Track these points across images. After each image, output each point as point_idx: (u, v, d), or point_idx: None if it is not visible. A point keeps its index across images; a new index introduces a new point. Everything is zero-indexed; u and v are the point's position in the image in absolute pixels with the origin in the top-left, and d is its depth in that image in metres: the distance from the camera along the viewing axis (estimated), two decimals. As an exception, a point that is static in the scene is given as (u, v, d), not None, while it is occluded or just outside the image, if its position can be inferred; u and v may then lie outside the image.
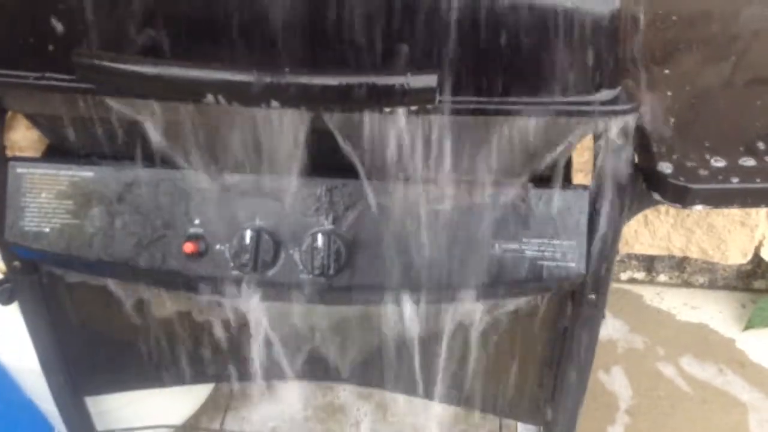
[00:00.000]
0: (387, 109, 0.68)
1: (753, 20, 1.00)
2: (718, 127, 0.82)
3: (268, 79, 0.63)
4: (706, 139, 0.79)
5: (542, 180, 0.81)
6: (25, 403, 1.28)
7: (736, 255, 1.43)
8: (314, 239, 0.82)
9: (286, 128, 0.74)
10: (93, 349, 1.05)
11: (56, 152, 0.87)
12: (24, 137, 0.87)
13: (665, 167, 0.74)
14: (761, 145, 0.77)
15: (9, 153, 0.86)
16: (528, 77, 0.68)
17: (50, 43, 0.71)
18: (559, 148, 0.78)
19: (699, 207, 0.74)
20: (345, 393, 1.55)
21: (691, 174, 0.74)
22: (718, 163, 0.75)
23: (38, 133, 0.87)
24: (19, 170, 0.85)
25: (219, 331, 0.98)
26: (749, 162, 0.75)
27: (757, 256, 1.47)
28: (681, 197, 0.74)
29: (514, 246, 0.82)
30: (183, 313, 0.98)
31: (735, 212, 1.37)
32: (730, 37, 0.97)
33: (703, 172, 0.74)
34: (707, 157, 0.76)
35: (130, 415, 1.27)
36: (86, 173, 0.85)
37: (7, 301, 1.06)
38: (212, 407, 1.52)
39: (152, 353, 1.03)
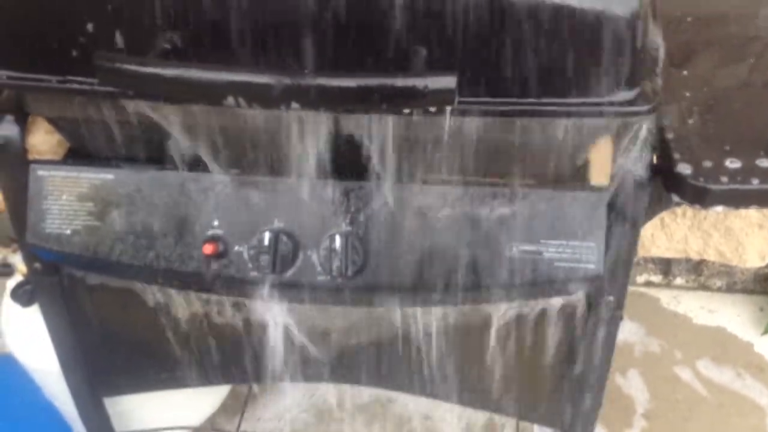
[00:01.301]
0: (406, 111, 0.68)
1: (771, 21, 0.99)
2: (736, 128, 0.82)
3: (287, 81, 0.63)
4: (725, 140, 0.78)
5: (560, 181, 0.81)
6: (45, 404, 1.29)
7: (753, 258, 1.42)
8: (332, 241, 0.83)
9: (305, 130, 0.74)
10: (112, 350, 1.06)
11: (76, 155, 0.88)
12: (44, 141, 0.88)
13: (684, 168, 0.74)
14: (781, 147, 0.77)
15: (30, 156, 0.87)
16: (546, 78, 0.68)
17: (72, 46, 0.71)
18: (577, 149, 0.78)
19: (719, 208, 0.74)
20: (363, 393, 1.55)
21: (710, 175, 0.74)
22: (737, 164, 0.75)
23: (58, 137, 0.88)
24: (40, 173, 0.86)
25: (237, 333, 0.98)
26: (768, 163, 0.75)
27: (775, 259, 1.46)
28: (701, 198, 0.74)
29: (532, 248, 0.82)
30: (201, 314, 0.98)
31: (753, 215, 1.37)
32: (748, 39, 0.96)
33: (722, 173, 0.74)
34: (726, 158, 0.76)
35: (148, 416, 1.27)
36: (107, 175, 0.86)
37: (28, 303, 1.07)
38: (229, 408, 1.52)
39: (171, 354, 1.04)
